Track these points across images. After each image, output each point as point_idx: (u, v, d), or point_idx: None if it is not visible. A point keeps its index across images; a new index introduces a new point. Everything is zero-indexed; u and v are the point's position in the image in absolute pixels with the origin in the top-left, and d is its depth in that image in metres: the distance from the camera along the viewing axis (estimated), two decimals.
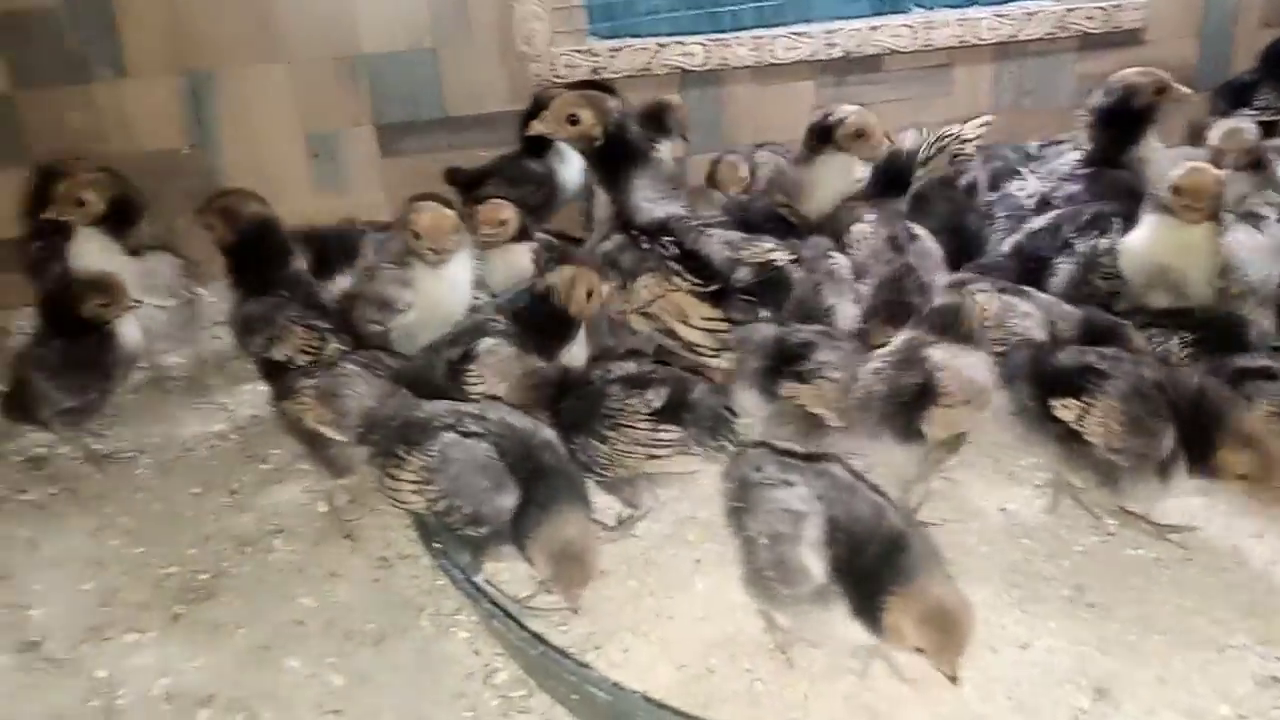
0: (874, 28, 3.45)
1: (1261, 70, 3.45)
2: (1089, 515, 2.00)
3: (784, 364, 2.01)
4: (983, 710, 1.59)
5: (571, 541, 1.67)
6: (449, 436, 1.76)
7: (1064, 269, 2.37)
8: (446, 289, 2.38)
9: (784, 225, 2.63)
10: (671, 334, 2.20)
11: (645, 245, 2.21)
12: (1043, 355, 1.96)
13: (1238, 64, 3.65)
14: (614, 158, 2.28)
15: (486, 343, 2.10)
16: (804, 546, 1.55)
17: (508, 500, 1.70)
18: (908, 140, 2.62)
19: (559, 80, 3.30)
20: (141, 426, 2.53)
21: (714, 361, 2.14)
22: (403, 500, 1.79)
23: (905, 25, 3.45)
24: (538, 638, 1.62)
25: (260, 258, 2.43)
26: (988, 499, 2.08)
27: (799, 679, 1.67)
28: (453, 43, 3.26)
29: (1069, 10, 3.51)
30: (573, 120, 2.25)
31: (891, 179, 2.59)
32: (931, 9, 3.53)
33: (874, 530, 1.53)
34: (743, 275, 2.19)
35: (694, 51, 3.37)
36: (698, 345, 2.17)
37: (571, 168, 3.06)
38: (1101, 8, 3.52)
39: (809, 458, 1.73)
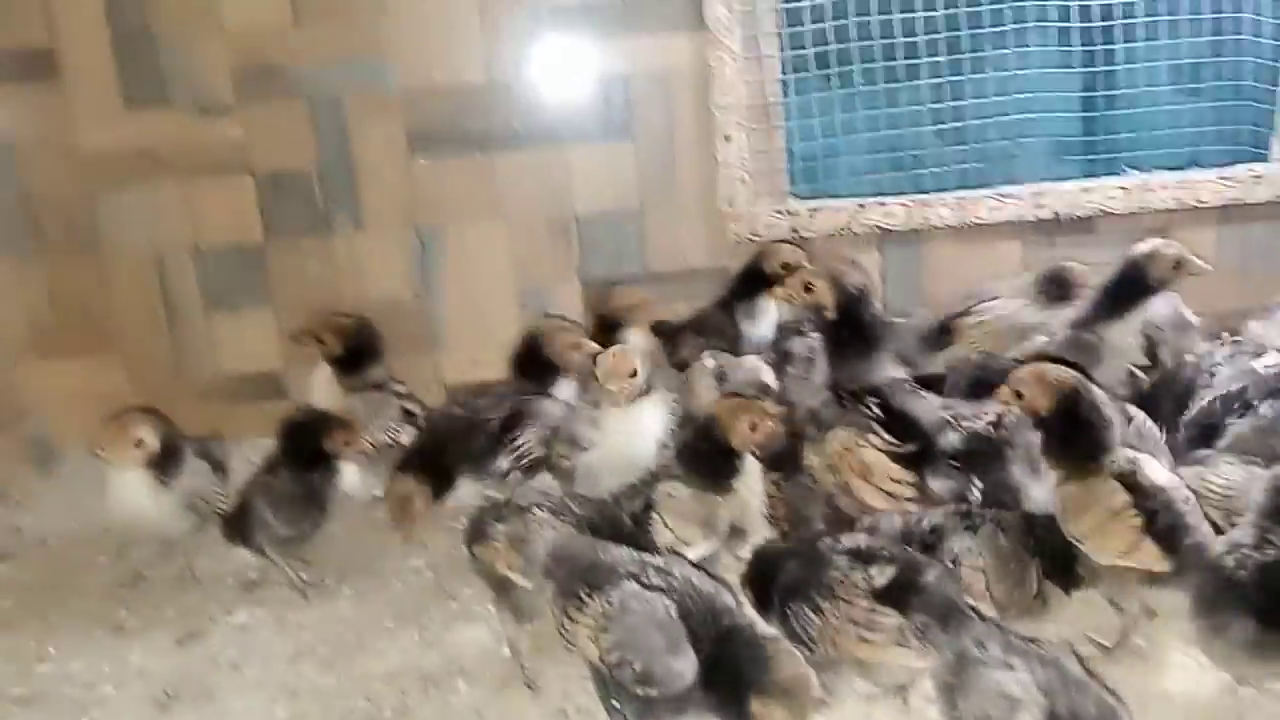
0: (1086, 190, 3.37)
1: None
2: None
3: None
4: None
5: (794, 677, 1.61)
6: (630, 586, 1.74)
7: (1234, 430, 2.21)
8: (631, 433, 2.44)
9: None
10: (850, 491, 2.15)
11: (848, 403, 2.21)
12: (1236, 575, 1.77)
13: None
14: (841, 331, 2.33)
15: (663, 488, 2.10)
16: None
17: (681, 665, 1.64)
18: None
19: (756, 239, 3.38)
20: (346, 557, 2.65)
21: None
22: (577, 644, 1.77)
23: (1120, 188, 3.35)
24: None
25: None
26: None
27: None
28: (658, 203, 3.41)
29: None
30: (809, 289, 2.36)
31: None
32: (1147, 171, 3.42)
33: None
34: (951, 440, 2.10)
35: (895, 211, 3.38)
36: (873, 507, 2.12)
37: (761, 327, 3.09)
38: None
39: (1037, 643, 1.61)
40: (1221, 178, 3.33)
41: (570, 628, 1.78)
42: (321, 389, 2.94)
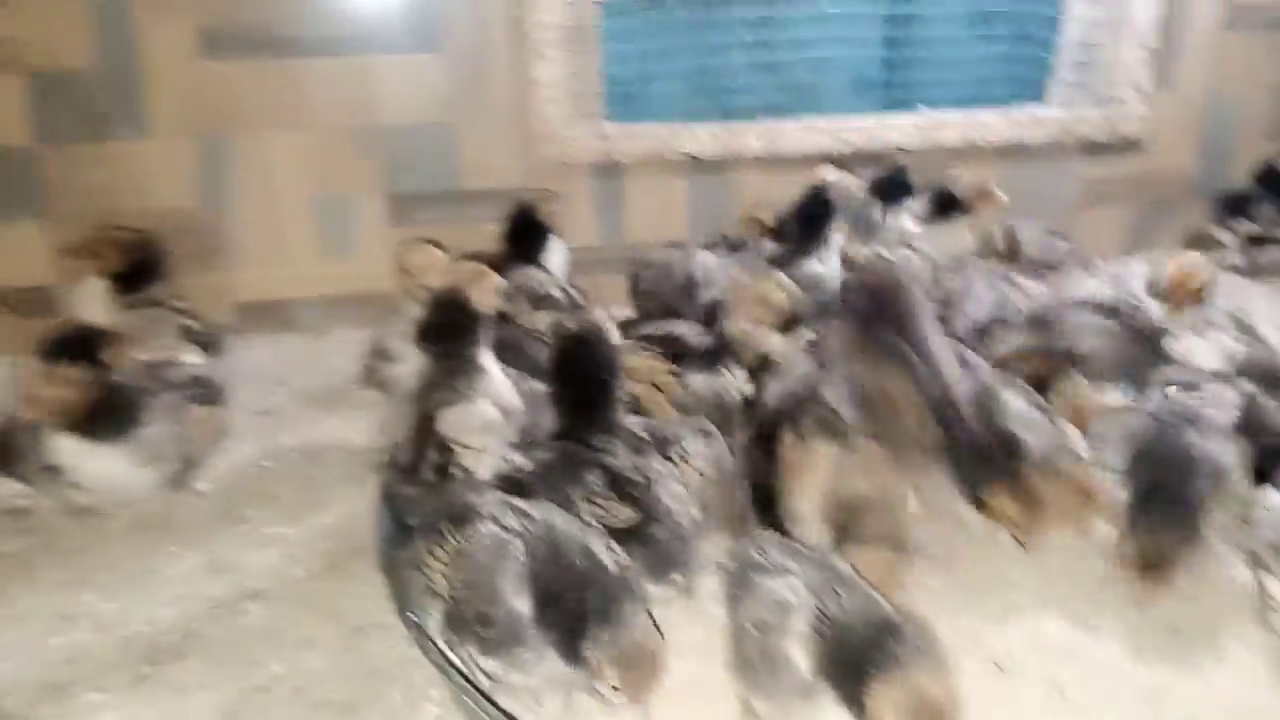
0: (884, 125, 3.51)
1: (1257, 186, 3.52)
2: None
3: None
4: None
5: (636, 644, 1.61)
6: (488, 528, 1.72)
7: None
8: None
9: None
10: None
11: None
12: None
13: (1237, 174, 3.70)
14: None
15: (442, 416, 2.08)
16: (790, 638, 1.52)
17: (521, 607, 1.64)
18: None
19: (572, 161, 3.37)
20: None
21: None
22: (433, 580, 1.75)
23: (914, 125, 3.52)
24: (510, 716, 1.57)
25: None
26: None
27: None
28: (469, 119, 3.32)
29: (1073, 117, 3.57)
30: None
31: None
32: (939, 109, 3.60)
33: (864, 618, 1.50)
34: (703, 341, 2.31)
35: (704, 139, 3.43)
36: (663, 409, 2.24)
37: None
38: (1105, 116, 3.59)
39: (815, 549, 1.70)
40: (1004, 118, 3.55)
41: (430, 561, 1.75)
42: (92, 305, 2.71)
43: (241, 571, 2.16)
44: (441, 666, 1.69)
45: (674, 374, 2.22)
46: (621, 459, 1.93)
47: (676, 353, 2.32)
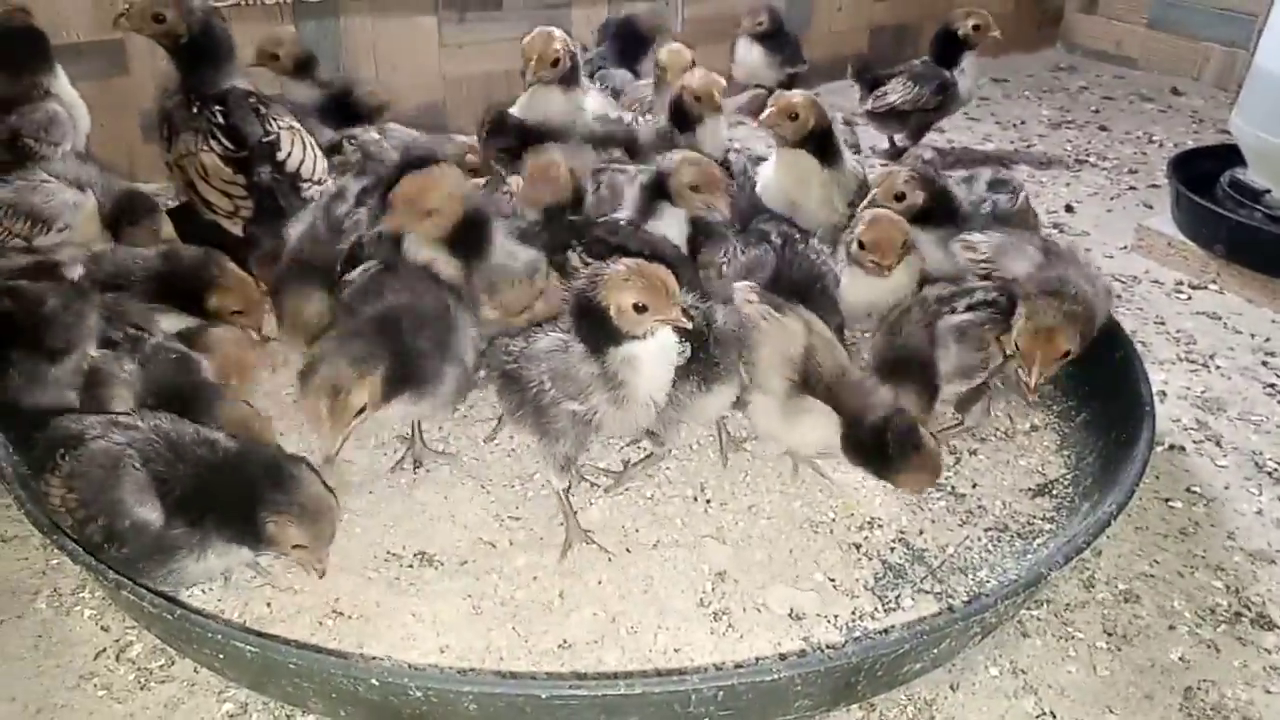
0: None
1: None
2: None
3: None
4: (622, 606, 1.73)
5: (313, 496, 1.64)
6: (97, 445, 1.63)
7: None
8: None
9: None
10: (193, 188, 2.31)
11: (195, 109, 2.34)
12: None
13: None
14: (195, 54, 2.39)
15: None
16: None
17: (149, 515, 1.60)
18: None
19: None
20: None
21: (227, 222, 2.33)
22: (56, 510, 1.64)
23: None
24: (174, 601, 1.55)
25: None
26: None
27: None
28: None
29: None
30: (158, 19, 2.34)
31: None
32: None
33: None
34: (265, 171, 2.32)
35: None
36: (213, 204, 2.32)
37: None
38: None
39: None
40: None
41: (48, 492, 1.65)
42: None
43: None
44: (93, 566, 1.61)
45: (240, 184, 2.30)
46: None
47: None
